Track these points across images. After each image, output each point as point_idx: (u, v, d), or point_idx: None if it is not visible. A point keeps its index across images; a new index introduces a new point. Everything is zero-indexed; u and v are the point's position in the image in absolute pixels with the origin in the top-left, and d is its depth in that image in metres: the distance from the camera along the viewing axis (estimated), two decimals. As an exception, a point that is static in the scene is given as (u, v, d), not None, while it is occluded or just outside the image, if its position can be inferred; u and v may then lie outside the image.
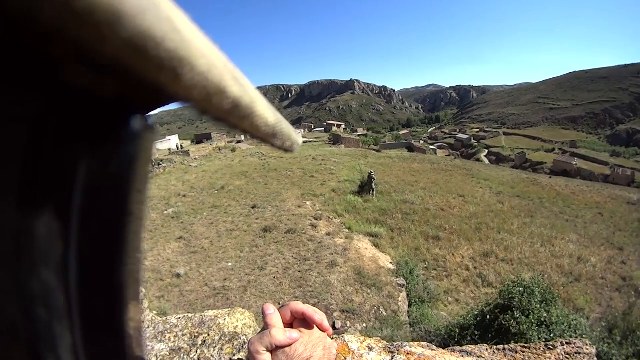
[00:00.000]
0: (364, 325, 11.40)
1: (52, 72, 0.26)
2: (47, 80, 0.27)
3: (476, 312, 10.60)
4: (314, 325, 1.03)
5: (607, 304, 18.23)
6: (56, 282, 0.32)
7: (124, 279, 0.38)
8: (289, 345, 0.91)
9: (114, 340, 0.40)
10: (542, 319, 8.72)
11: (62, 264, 0.32)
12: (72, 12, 0.19)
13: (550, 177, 66.15)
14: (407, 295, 14.26)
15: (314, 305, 1.06)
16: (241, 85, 0.34)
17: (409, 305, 13.95)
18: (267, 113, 0.42)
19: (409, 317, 13.02)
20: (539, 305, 9.00)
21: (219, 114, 0.33)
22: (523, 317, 8.78)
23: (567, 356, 2.06)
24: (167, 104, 0.36)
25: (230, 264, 15.16)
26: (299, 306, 1.02)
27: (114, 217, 0.37)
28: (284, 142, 0.50)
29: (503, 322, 8.92)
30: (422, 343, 1.96)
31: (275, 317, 0.96)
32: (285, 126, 0.48)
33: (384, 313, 12.28)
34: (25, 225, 0.29)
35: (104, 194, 0.35)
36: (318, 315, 1.04)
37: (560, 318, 8.85)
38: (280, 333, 0.92)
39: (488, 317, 9.62)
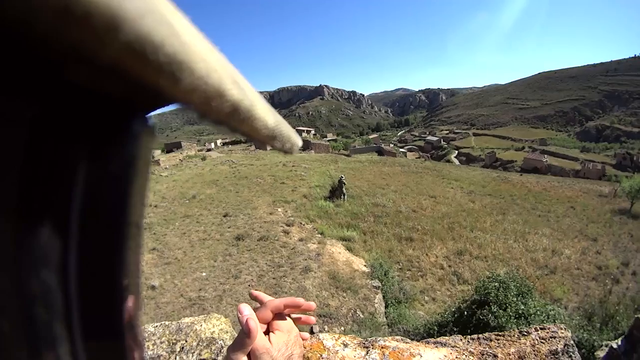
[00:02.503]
0: (342, 328, 11.43)
1: (51, 73, 0.26)
2: (46, 81, 0.27)
3: (453, 309, 10.70)
4: (289, 321, 1.01)
5: (584, 293, 18.71)
6: (56, 283, 0.32)
7: (124, 279, 0.38)
8: (255, 338, 0.89)
9: (113, 340, 0.39)
10: (520, 311, 8.82)
11: (62, 264, 0.32)
12: (70, 17, 0.19)
13: (521, 175, 67.51)
14: (383, 296, 14.32)
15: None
16: (241, 88, 0.34)
17: (386, 307, 14.02)
18: (267, 116, 0.42)
19: (386, 318, 13.09)
20: (515, 299, 9.10)
21: (219, 117, 0.33)
22: (500, 310, 8.87)
23: (542, 340, 2.10)
24: (168, 105, 0.36)
25: (204, 274, 15.04)
26: (277, 301, 0.99)
27: (114, 217, 0.36)
28: (284, 144, 0.51)
29: (481, 317, 9.00)
30: (397, 337, 2.00)
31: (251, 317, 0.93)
32: (285, 128, 0.49)
33: (361, 315, 12.31)
34: (25, 225, 0.28)
35: (104, 194, 0.35)
36: (300, 300, 1.02)
37: (538, 309, 8.96)
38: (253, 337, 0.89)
39: (465, 313, 9.72)
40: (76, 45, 0.21)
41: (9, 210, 0.27)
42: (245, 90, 0.36)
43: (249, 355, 0.89)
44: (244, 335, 0.89)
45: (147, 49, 0.22)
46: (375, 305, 13.16)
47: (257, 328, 0.92)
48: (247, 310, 0.94)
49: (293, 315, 1.05)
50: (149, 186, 0.41)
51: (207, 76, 0.28)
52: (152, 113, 0.38)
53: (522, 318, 8.78)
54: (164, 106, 0.36)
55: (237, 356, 0.87)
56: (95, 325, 0.37)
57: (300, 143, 0.60)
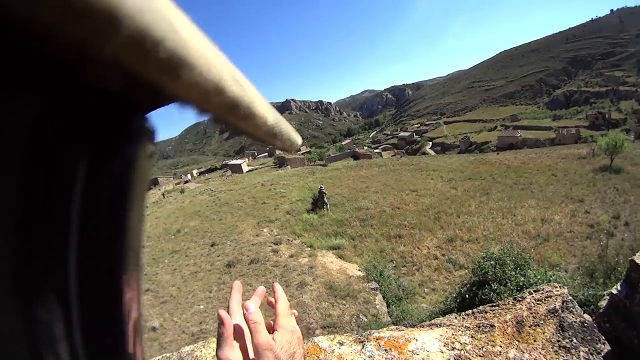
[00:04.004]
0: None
1: (53, 71, 0.26)
2: (48, 80, 0.27)
3: (454, 295, 10.75)
4: (293, 321, 1.02)
5: (581, 253, 18.96)
6: (56, 282, 0.32)
7: (124, 279, 0.38)
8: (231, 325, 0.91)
9: (113, 340, 0.39)
10: (521, 283, 8.83)
11: (62, 264, 0.32)
12: (71, 13, 0.19)
13: (497, 154, 68.13)
14: (383, 296, 14.36)
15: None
16: (240, 85, 0.34)
17: (388, 306, 14.03)
18: (267, 113, 0.42)
19: (390, 316, 13.08)
20: (514, 272, 9.13)
21: (219, 113, 0.33)
22: (501, 287, 8.90)
23: (537, 302, 2.14)
24: (168, 104, 0.35)
25: (202, 306, 14.92)
26: (257, 294, 1.03)
27: (115, 217, 0.37)
28: (284, 142, 0.53)
29: (483, 297, 9.00)
30: (391, 327, 2.03)
31: (257, 315, 0.93)
32: (284, 126, 0.51)
33: (365, 319, 12.31)
34: (25, 224, 0.28)
35: (104, 194, 0.35)
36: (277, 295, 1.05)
37: (539, 277, 8.99)
38: (263, 330, 0.90)
39: (467, 295, 9.76)
40: (77, 40, 0.21)
41: (9, 209, 0.27)
42: (245, 87, 0.36)
43: (245, 352, 0.91)
44: (222, 332, 0.90)
45: (147, 45, 0.22)
46: (377, 306, 13.20)
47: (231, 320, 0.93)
48: (252, 307, 0.95)
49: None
50: (149, 186, 0.42)
51: (206, 72, 0.28)
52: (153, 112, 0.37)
53: (524, 289, 8.77)
54: (164, 105, 0.36)
55: (224, 354, 0.88)
56: (95, 324, 0.37)
57: (300, 141, 0.61)
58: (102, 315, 0.38)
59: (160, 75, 0.25)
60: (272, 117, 0.44)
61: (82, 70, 0.26)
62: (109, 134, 0.33)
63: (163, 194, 53.02)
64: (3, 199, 0.27)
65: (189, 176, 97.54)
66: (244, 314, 0.94)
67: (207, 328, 13.18)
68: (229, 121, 0.36)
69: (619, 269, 11.17)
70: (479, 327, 1.99)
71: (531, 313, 2.05)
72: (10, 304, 0.29)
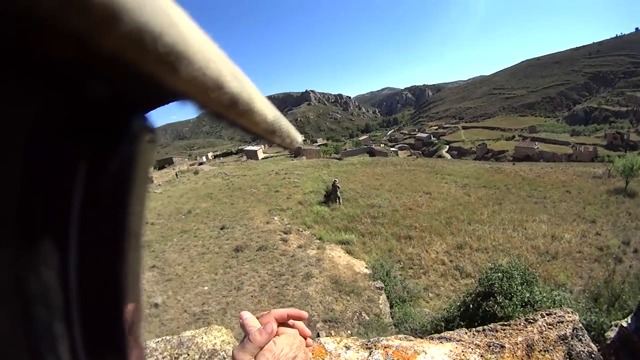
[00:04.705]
0: (349, 332, 11.39)
1: (52, 71, 0.26)
2: (46, 80, 0.26)
3: (458, 303, 10.66)
4: (296, 330, 1.03)
5: (588, 276, 18.75)
6: (56, 282, 0.32)
7: (124, 279, 0.38)
8: (268, 341, 0.91)
9: (113, 339, 0.39)
10: (526, 299, 8.75)
11: (61, 264, 0.32)
12: (72, 3, 0.19)
13: (513, 164, 67.91)
14: (387, 297, 14.31)
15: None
16: (239, 81, 0.34)
17: (391, 307, 13.99)
18: (266, 110, 0.41)
19: (392, 318, 13.05)
20: (520, 287, 9.03)
21: (218, 109, 0.33)
22: (506, 300, 8.81)
23: (549, 326, 2.08)
24: (167, 103, 0.35)
25: (206, 288, 14.95)
26: (281, 311, 1.01)
27: (114, 217, 0.36)
28: (284, 139, 0.51)
29: (487, 309, 8.94)
30: (400, 335, 1.97)
31: (251, 320, 0.96)
32: (284, 123, 0.49)
33: (367, 317, 12.27)
34: (25, 224, 0.28)
35: (104, 193, 0.35)
36: (304, 313, 1.05)
37: (544, 295, 8.91)
38: (258, 334, 0.91)
39: (471, 306, 9.67)
40: (77, 33, 0.21)
41: (10, 208, 0.27)
42: (244, 83, 0.36)
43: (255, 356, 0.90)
44: (255, 337, 0.91)
45: (146, 39, 0.22)
46: (380, 306, 13.14)
47: (257, 326, 0.95)
48: (247, 314, 0.98)
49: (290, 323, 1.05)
50: (148, 186, 0.43)
51: (205, 67, 0.28)
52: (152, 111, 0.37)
53: (529, 306, 8.70)
54: (164, 103, 0.36)
55: (240, 357, 0.88)
56: (95, 324, 0.37)
57: (300, 139, 0.60)
58: (102, 314, 0.38)
59: (159, 69, 0.25)
60: (271, 114, 0.44)
61: (82, 68, 0.26)
62: (108, 134, 0.33)
63: (177, 174, 53.18)
64: (3, 199, 0.27)
65: (204, 158, 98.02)
66: (240, 322, 0.98)
67: (209, 310, 13.20)
68: (228, 117, 0.36)
69: (623, 297, 11.03)
70: (489, 346, 1.94)
71: (542, 337, 2.00)
72: (10, 303, 0.28)
